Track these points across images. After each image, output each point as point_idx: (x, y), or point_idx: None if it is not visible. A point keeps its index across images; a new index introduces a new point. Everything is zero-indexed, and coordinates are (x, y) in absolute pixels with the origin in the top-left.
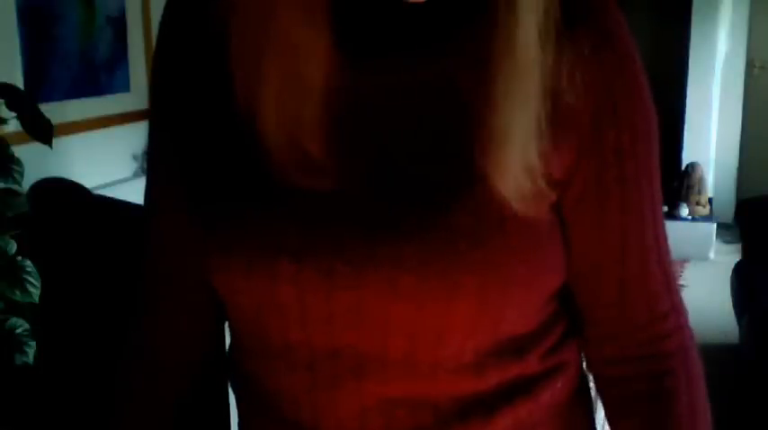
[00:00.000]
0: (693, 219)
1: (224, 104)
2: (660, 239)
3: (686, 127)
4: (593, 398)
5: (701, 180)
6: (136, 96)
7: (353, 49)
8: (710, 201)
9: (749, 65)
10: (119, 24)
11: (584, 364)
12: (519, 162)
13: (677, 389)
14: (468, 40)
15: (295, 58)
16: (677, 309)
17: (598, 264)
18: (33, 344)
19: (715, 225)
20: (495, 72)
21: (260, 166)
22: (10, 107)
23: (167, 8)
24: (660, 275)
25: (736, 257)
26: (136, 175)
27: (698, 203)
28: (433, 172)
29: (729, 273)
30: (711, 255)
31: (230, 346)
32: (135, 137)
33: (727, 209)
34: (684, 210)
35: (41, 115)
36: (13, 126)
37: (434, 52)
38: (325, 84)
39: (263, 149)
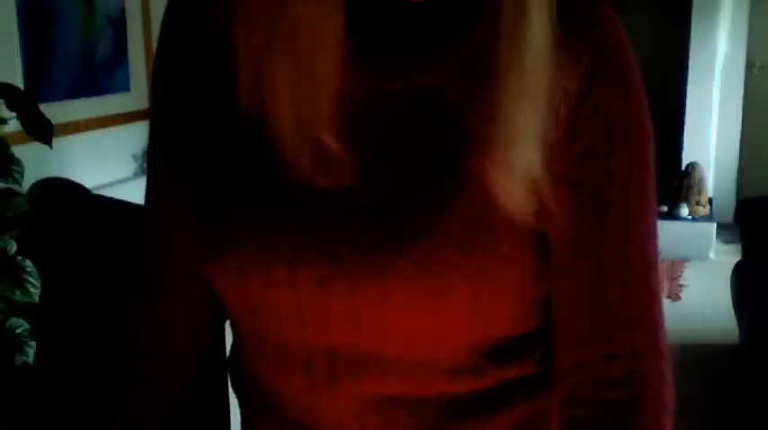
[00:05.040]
0: (693, 219)
1: (226, 104)
2: (632, 266)
3: (686, 127)
4: None
5: (701, 180)
6: (136, 96)
7: (357, 46)
8: (710, 201)
9: (749, 65)
10: (119, 24)
11: None
12: (524, 165)
13: None
14: (468, 44)
15: (309, 52)
16: (642, 353)
17: (556, 282)
18: (33, 344)
19: (715, 225)
20: (502, 73)
21: (260, 167)
22: (10, 107)
23: (169, 8)
24: (621, 306)
25: (736, 257)
26: (136, 175)
27: (698, 203)
28: (424, 179)
29: (729, 273)
30: (711, 255)
31: (232, 347)
32: (135, 137)
33: (727, 209)
34: (684, 210)
35: (41, 115)
36: (13, 126)
37: (432, 56)
38: (339, 78)
39: (265, 149)
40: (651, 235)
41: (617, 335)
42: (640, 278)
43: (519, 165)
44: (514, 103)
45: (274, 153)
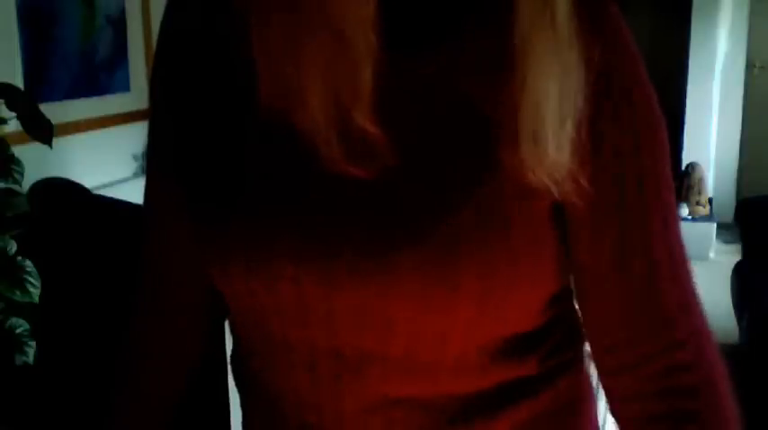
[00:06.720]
0: (693, 219)
1: (227, 101)
2: (676, 254)
3: (686, 127)
4: (595, 398)
5: (701, 180)
6: (136, 96)
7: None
8: (710, 201)
9: (749, 65)
10: (119, 24)
11: (587, 365)
12: (553, 152)
13: None
14: (487, 30)
15: (343, 43)
16: (699, 336)
17: (599, 279)
18: (33, 344)
19: (715, 225)
20: (532, 54)
21: (262, 165)
22: (10, 107)
23: (169, 7)
24: (675, 295)
25: (736, 257)
26: (136, 175)
27: (698, 203)
28: (439, 171)
29: (729, 273)
30: (711, 255)
31: (234, 345)
32: (135, 137)
33: (727, 209)
34: (684, 210)
35: (41, 115)
36: (13, 126)
37: (451, 42)
38: (375, 61)
39: (270, 145)
40: (678, 224)
41: (677, 320)
42: (681, 256)
43: (549, 151)
44: (544, 86)
45: (287, 147)
